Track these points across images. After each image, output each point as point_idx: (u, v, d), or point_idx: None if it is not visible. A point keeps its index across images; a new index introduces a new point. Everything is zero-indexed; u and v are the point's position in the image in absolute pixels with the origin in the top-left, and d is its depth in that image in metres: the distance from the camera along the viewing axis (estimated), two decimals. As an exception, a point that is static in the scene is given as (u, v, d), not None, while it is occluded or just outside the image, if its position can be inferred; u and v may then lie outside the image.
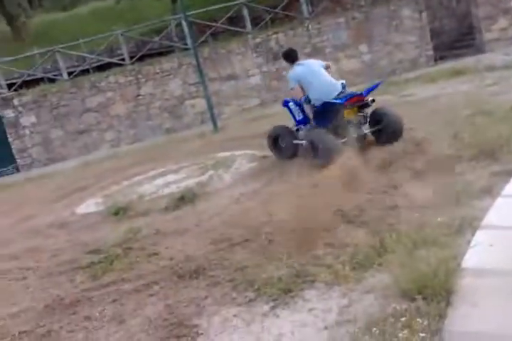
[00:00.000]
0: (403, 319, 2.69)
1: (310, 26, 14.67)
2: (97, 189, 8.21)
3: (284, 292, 3.40)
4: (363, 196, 4.83)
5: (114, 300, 3.92)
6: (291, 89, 6.49)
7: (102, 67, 15.42)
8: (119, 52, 17.49)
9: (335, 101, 5.98)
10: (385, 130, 6.18)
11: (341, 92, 6.15)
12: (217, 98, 13.92)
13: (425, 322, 2.63)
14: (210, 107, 12.06)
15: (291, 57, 6.66)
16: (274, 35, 14.79)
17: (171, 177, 7.61)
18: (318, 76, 6.24)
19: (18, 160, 13.86)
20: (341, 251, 3.83)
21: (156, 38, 16.35)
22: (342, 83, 6.29)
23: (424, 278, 2.91)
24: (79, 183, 9.14)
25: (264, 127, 10.06)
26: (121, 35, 15.09)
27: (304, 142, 6.39)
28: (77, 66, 16.54)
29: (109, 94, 14.04)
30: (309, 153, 6.13)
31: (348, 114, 6.06)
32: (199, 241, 4.66)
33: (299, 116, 6.63)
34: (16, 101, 13.81)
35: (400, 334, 2.57)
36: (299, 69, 6.39)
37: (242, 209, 5.31)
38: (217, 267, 4.03)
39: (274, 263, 3.84)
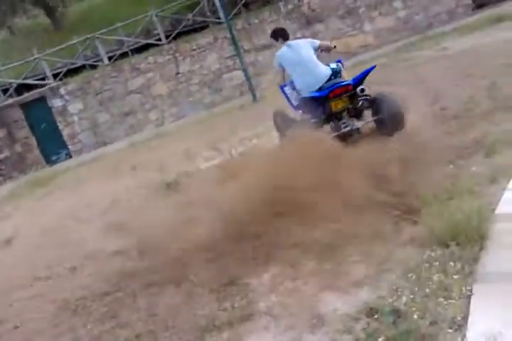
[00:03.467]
0: (437, 264, 2.83)
1: (342, -13, 14.51)
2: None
3: None
4: None
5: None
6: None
7: (140, 49, 15.75)
8: (155, 32, 17.76)
9: (315, 94, 5.26)
10: (383, 120, 5.26)
11: (330, 79, 5.34)
12: (254, 69, 14.03)
13: (459, 266, 2.76)
14: (248, 79, 12.19)
15: (277, 35, 5.87)
16: (306, 0, 14.66)
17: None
18: (305, 63, 5.40)
19: (70, 147, 14.52)
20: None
21: (190, 15, 16.48)
22: (333, 68, 5.45)
23: (458, 225, 2.99)
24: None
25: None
26: (156, 15, 15.34)
27: None
28: (116, 50, 16.94)
29: (150, 74, 14.40)
30: None
31: (336, 106, 5.23)
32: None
33: (296, 102, 5.74)
34: (62, 91, 14.39)
35: (435, 277, 2.72)
36: (285, 51, 5.58)
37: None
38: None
39: None
